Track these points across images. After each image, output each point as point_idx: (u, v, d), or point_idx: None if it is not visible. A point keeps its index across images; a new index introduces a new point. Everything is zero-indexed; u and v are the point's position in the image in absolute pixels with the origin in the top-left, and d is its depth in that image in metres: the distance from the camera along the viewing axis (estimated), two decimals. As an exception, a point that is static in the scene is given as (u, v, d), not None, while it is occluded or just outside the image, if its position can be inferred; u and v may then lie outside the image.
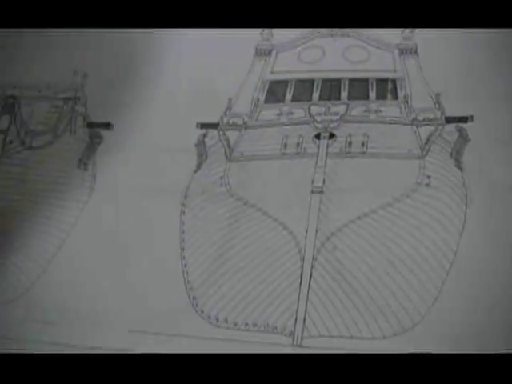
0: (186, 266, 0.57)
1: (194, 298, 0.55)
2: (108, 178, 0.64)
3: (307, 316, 0.52)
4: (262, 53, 0.66)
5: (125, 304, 0.56)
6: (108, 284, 0.58)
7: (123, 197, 0.62)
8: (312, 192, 0.57)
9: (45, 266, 0.60)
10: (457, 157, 0.56)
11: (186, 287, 0.56)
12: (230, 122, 0.63)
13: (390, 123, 0.59)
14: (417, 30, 0.63)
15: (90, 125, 0.67)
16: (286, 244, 0.55)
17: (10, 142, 0.68)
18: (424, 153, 0.57)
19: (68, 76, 0.70)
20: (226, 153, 0.61)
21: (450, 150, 0.57)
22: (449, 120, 0.58)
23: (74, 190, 0.64)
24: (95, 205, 0.63)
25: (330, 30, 0.65)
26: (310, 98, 0.63)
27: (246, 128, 0.62)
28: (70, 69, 0.70)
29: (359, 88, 0.62)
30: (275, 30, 0.67)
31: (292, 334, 0.51)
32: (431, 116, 0.59)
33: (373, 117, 0.60)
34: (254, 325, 0.53)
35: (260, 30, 0.67)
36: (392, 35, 0.63)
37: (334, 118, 0.61)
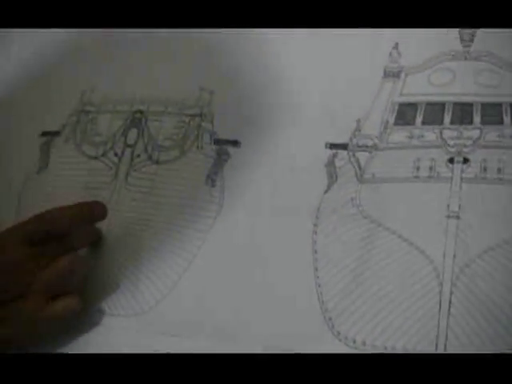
0: (319, 285, 0.57)
1: (330, 318, 0.55)
2: (236, 195, 0.65)
3: (448, 343, 0.51)
4: (391, 74, 0.66)
5: (257, 321, 0.57)
6: (238, 301, 0.59)
7: (252, 214, 0.63)
8: (448, 217, 0.57)
9: (175, 280, 0.62)
10: None
11: (321, 308, 0.56)
12: (360, 143, 0.63)
13: (527, 149, 0.58)
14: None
15: (218, 142, 0.68)
16: (423, 268, 0.55)
17: (138, 156, 0.70)
18: None
19: (194, 93, 0.71)
20: (356, 174, 0.62)
21: None
22: None
23: (203, 206, 0.65)
24: (224, 221, 0.64)
25: (464, 52, 0.64)
26: (441, 122, 0.62)
27: (376, 150, 0.62)
28: (196, 85, 0.71)
29: (492, 112, 0.62)
30: (404, 51, 0.67)
31: (433, 360, 0.51)
32: None
33: (508, 142, 0.60)
34: (393, 348, 0.53)
35: (389, 50, 0.67)
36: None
37: (468, 142, 0.60)
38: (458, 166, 0.59)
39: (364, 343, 0.53)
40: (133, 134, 0.72)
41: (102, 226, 0.66)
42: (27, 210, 0.69)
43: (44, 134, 0.77)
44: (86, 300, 0.60)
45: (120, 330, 0.61)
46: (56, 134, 0.76)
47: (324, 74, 0.68)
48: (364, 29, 0.66)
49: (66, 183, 0.71)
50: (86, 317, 0.61)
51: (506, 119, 0.61)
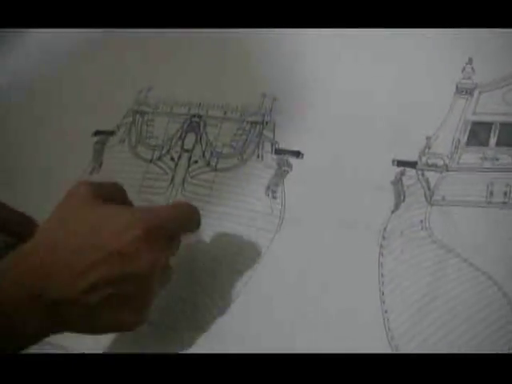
0: (386, 311, 0.55)
1: (396, 346, 0.53)
2: (297, 210, 0.63)
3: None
4: (464, 91, 0.63)
5: (316, 344, 0.55)
6: (299, 321, 0.57)
7: (314, 231, 0.61)
8: (524, 247, 0.54)
9: (233, 298, 0.60)
10: None
11: (387, 334, 0.54)
12: (430, 162, 0.61)
13: None
14: None
15: (279, 151, 0.66)
16: (497, 301, 0.53)
17: (196, 162, 0.68)
18: None
19: (256, 98, 0.69)
20: (425, 195, 0.59)
21: None
22: None
23: (263, 218, 0.63)
24: (285, 237, 0.62)
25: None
26: (517, 144, 0.60)
27: (446, 170, 0.60)
28: (258, 91, 0.69)
29: None
30: (478, 67, 0.64)
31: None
32: None
33: None
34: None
35: (462, 66, 0.64)
36: None
37: (547, 167, 0.58)
38: (534, 193, 0.57)
39: (433, 376, 0.51)
40: (190, 138, 0.70)
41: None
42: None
43: (98, 133, 0.75)
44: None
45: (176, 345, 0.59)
46: (110, 133, 0.74)
47: (393, 86, 0.65)
48: (438, 40, 0.63)
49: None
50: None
51: None
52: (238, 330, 0.59)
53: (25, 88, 0.81)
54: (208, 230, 0.64)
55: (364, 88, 0.66)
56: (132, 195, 0.67)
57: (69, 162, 0.74)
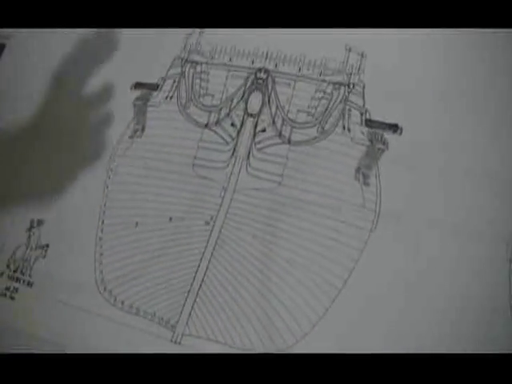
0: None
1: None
2: (397, 201, 0.50)
3: None
4: None
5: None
6: (400, 328, 0.46)
7: (418, 229, 0.49)
8: None
9: (320, 315, 0.48)
10: None
11: None
12: None
13: None
14: None
15: (371, 124, 0.53)
16: None
17: (263, 131, 0.55)
18: None
19: (339, 53, 0.55)
20: None
21: None
22: None
23: (351, 210, 0.51)
24: (381, 237, 0.49)
25: None
26: None
27: None
28: (342, 43, 0.55)
29: None
30: None
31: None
32: None
33: None
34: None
35: None
36: None
37: None
38: None
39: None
40: (256, 99, 0.56)
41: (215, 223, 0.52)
42: (116, 183, 0.56)
43: (138, 85, 0.60)
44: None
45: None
46: (154, 87, 0.60)
47: None
48: None
49: (166, 156, 0.56)
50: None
51: None
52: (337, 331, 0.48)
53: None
54: (280, 221, 0.51)
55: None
56: (183, 169, 0.54)
57: (105, 125, 0.60)
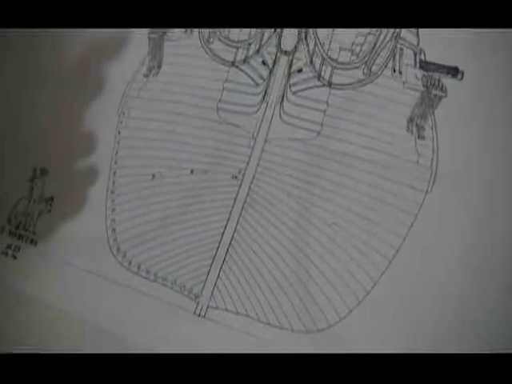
0: None
1: None
2: (456, 159, 0.43)
3: None
4: None
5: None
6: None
7: (481, 194, 0.42)
8: None
9: (368, 289, 0.43)
10: None
11: None
12: None
13: None
14: None
15: (426, 66, 0.45)
16: None
17: (299, 71, 0.47)
18: None
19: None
20: None
21: None
22: None
23: (404, 167, 0.44)
24: (438, 199, 0.43)
25: None
26: None
27: None
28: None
29: None
30: None
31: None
32: None
33: None
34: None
35: None
36: None
37: None
38: None
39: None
40: (291, 34, 0.48)
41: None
42: (129, 129, 0.49)
43: (153, 15, 0.52)
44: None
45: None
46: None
47: None
48: None
49: (186, 99, 0.49)
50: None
51: None
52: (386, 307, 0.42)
53: None
54: (322, 179, 0.45)
55: None
56: (208, 113, 0.47)
57: (116, 60, 0.52)
